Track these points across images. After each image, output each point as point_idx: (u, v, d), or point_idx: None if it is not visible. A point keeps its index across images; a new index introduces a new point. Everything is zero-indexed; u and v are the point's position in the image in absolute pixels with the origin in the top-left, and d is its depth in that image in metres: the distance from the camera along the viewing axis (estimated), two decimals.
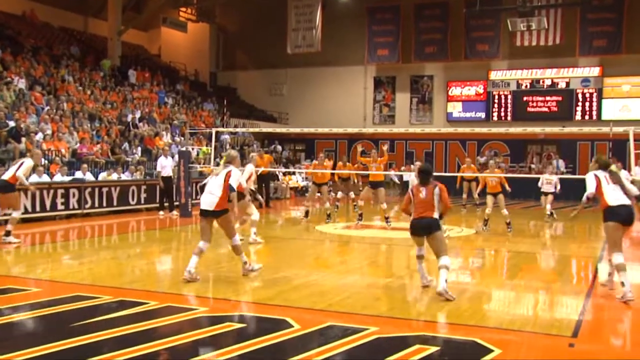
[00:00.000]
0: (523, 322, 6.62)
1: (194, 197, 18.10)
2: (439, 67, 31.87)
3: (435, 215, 7.66)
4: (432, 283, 7.92)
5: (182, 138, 24.23)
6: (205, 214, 8.33)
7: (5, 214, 12.36)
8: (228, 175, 8.36)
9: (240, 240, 9.33)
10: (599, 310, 7.40)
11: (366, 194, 15.68)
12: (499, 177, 14.53)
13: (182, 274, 8.25)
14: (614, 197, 7.51)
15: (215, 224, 8.48)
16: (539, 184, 17.50)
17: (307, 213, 16.18)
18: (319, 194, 16.60)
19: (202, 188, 8.69)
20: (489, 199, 14.53)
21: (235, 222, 10.26)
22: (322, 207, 15.78)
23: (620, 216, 7.43)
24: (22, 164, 11.79)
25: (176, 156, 18.37)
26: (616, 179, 7.66)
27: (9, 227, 11.55)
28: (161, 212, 17.07)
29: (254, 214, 11.88)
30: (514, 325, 6.38)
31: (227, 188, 8.27)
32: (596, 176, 7.73)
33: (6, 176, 11.70)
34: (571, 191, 24.68)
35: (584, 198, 7.78)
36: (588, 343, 5.97)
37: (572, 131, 20.97)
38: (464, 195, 20.38)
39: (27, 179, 12.14)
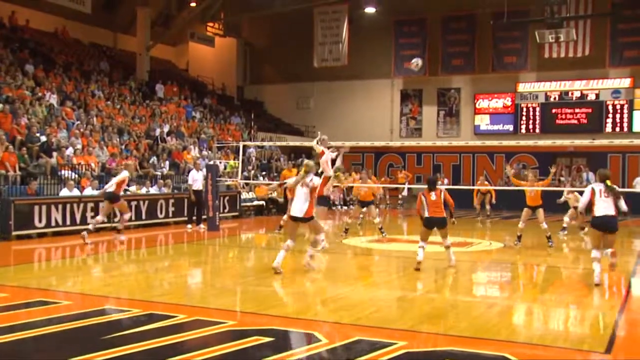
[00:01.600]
0: (554, 337, 6.51)
1: (221, 210, 18.19)
2: (466, 80, 31.75)
3: (444, 214, 10.46)
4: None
5: (210, 152, 24.41)
6: (294, 219, 9.94)
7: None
8: (314, 184, 9.78)
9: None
10: (633, 325, 7.26)
11: (355, 212, 16.52)
12: (537, 189, 14.04)
13: (210, 287, 8.27)
14: (601, 208, 9.06)
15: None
16: None
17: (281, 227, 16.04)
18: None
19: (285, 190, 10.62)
20: (525, 212, 13.99)
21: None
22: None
23: (601, 224, 9.10)
24: (119, 176, 14.10)
25: (204, 169, 18.48)
26: (609, 193, 9.07)
27: (120, 226, 14.27)
28: (189, 226, 17.16)
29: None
30: (544, 341, 6.27)
31: (314, 197, 9.79)
32: (592, 189, 9.21)
33: (111, 188, 13.88)
34: None
35: (578, 210, 10.21)
36: (622, 359, 5.85)
37: (602, 143, 20.73)
38: (478, 207, 21.40)
39: (124, 189, 14.76)
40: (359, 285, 9.54)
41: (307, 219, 9.82)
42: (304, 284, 9.42)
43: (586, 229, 16.64)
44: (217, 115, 30.26)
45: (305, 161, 10.18)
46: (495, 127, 30.94)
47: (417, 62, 15.82)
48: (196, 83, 34.46)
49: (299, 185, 9.84)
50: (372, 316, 7.22)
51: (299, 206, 9.77)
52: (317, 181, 9.88)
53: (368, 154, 32.45)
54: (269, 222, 20.71)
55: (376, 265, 12.15)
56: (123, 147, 20.63)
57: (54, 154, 17.30)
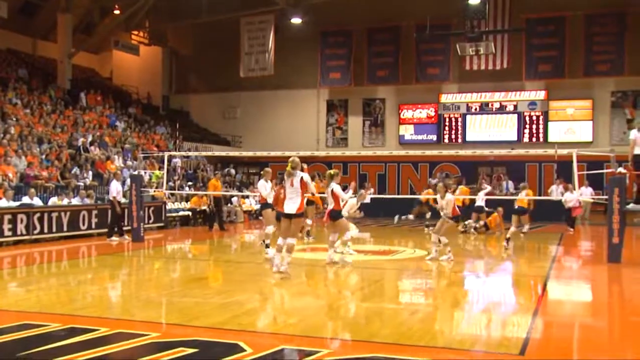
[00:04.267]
0: (472, 342, 6.74)
1: (146, 221, 17.88)
2: (390, 90, 32.32)
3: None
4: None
5: (134, 162, 23.98)
6: (287, 216, 10.27)
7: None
8: (302, 181, 10.07)
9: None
10: (546, 327, 7.59)
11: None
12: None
13: (134, 299, 8.16)
14: None
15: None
16: None
17: None
18: None
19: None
20: None
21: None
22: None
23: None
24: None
25: (128, 180, 18.17)
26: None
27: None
28: (113, 237, 16.80)
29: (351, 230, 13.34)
30: (463, 345, 6.49)
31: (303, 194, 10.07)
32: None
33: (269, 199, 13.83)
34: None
35: None
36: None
37: (519, 153, 21.50)
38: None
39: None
40: (285, 294, 9.60)
41: (298, 215, 10.22)
42: (229, 295, 9.40)
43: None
44: (142, 124, 29.75)
45: (292, 157, 10.40)
46: (420, 137, 31.62)
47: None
48: (120, 92, 33.78)
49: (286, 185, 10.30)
50: (297, 325, 7.29)
51: (290, 204, 10.16)
52: (306, 177, 10.24)
53: None
54: (195, 232, 20.53)
55: (302, 274, 12.22)
56: (43, 156, 20.02)
57: None
